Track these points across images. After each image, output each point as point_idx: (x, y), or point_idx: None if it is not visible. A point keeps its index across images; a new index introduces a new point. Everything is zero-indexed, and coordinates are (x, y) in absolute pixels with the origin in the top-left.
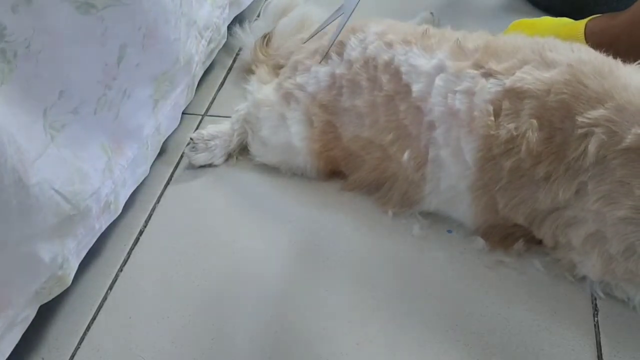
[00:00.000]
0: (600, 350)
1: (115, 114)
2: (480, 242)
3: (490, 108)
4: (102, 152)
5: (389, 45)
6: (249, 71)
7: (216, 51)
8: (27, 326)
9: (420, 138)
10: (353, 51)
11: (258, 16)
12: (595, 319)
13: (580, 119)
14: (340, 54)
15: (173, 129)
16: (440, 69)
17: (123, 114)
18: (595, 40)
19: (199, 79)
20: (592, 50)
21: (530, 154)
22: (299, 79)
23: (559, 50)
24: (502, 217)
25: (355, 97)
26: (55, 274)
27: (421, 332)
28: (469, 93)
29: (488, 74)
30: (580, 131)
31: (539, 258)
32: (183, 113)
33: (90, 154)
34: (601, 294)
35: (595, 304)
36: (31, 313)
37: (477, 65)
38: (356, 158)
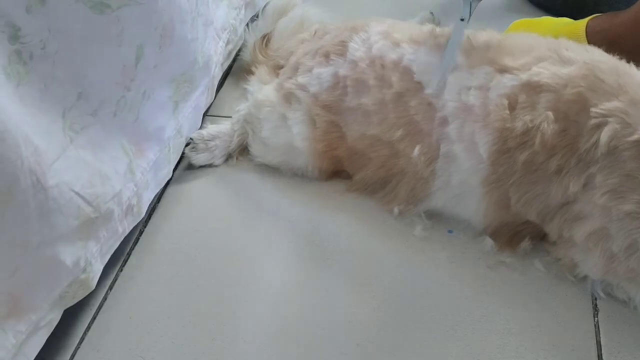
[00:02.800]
0: (601, 350)
1: (135, 115)
2: (488, 242)
3: (506, 102)
4: (123, 154)
5: (396, 44)
6: (248, 72)
7: (234, 52)
8: (51, 330)
9: (432, 134)
10: (357, 51)
11: (257, 17)
12: (596, 319)
13: (594, 109)
14: (342, 54)
15: (195, 131)
16: (454, 68)
17: (143, 116)
18: (597, 39)
19: (218, 80)
20: (604, 52)
21: (544, 147)
22: (301, 79)
23: (574, 49)
24: (513, 214)
25: (361, 95)
26: (78, 277)
27: (421, 332)
28: (484, 88)
29: (503, 70)
30: (593, 121)
31: (540, 258)
32: None
33: (111, 155)
34: (602, 294)
35: (596, 304)
36: (56, 317)
37: (492, 62)
38: (361, 157)
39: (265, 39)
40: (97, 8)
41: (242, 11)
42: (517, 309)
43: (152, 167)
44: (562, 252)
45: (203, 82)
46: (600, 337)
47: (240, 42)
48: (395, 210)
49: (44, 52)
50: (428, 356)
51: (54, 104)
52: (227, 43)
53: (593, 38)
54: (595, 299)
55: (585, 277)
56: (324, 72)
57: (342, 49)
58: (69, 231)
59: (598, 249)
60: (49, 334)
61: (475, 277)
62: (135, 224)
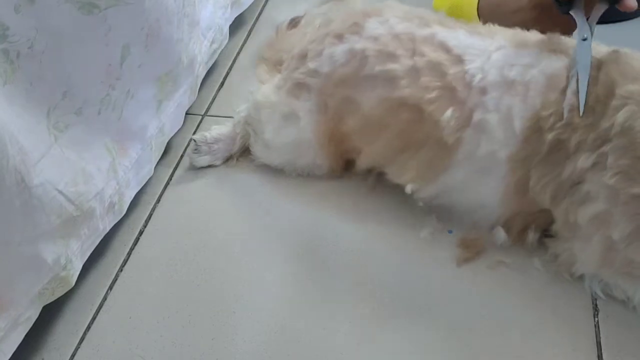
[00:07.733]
0: (601, 350)
1: (118, 114)
2: (501, 234)
3: (549, 81)
4: (106, 153)
5: (425, 24)
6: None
7: (218, 51)
8: (30, 326)
9: (467, 101)
10: (376, 29)
11: (257, 18)
12: (595, 319)
13: (618, 91)
14: (358, 33)
15: (177, 130)
16: (499, 48)
17: (127, 115)
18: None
19: (201, 79)
20: None
21: (568, 125)
22: (311, 65)
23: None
24: (529, 201)
25: (387, 62)
26: (59, 274)
27: (421, 332)
28: (529, 66)
29: (552, 51)
30: (615, 103)
31: (539, 257)
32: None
33: (94, 154)
34: (601, 294)
35: (596, 304)
36: (34, 313)
37: (542, 48)
38: (376, 126)
39: (294, 22)
40: (85, 8)
41: (228, 10)
42: (517, 308)
43: (134, 166)
44: (561, 245)
45: (187, 81)
46: (600, 337)
47: (226, 42)
48: (408, 188)
49: (31, 51)
50: (428, 356)
51: (39, 102)
52: (212, 42)
53: (482, 14)
54: (595, 299)
55: (582, 276)
56: (337, 50)
57: (357, 28)
58: (51, 229)
59: (598, 234)
60: (27, 331)
61: (475, 277)
62: (116, 221)
